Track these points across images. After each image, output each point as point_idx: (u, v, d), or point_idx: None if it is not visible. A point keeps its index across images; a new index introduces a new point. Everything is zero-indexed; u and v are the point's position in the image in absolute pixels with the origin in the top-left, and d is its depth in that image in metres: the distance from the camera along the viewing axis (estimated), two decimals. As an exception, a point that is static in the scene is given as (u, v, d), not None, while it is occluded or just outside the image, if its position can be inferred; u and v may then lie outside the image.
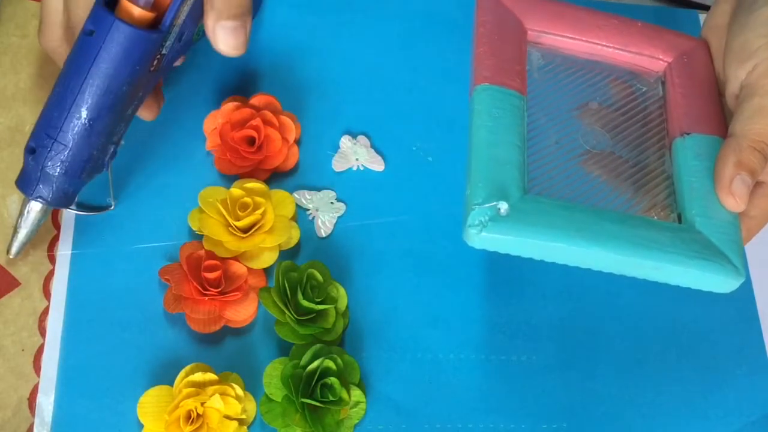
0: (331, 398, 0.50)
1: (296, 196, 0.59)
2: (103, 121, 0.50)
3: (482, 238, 0.44)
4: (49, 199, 0.52)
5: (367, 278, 0.57)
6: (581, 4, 0.56)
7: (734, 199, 0.46)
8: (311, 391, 0.51)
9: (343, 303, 0.55)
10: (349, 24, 0.66)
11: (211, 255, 0.55)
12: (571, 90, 0.53)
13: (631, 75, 0.54)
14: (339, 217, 0.59)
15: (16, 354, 0.53)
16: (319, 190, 0.60)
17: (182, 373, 0.51)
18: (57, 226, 0.57)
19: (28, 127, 0.60)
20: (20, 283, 0.55)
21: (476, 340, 0.57)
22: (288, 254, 0.57)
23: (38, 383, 0.52)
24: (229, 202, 0.56)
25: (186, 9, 0.50)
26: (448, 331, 0.57)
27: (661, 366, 0.57)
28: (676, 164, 0.50)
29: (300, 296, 0.53)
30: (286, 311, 0.53)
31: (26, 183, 0.51)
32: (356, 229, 0.59)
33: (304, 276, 0.54)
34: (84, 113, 0.49)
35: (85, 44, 0.48)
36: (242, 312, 0.54)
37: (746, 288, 0.61)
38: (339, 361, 0.52)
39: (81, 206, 0.56)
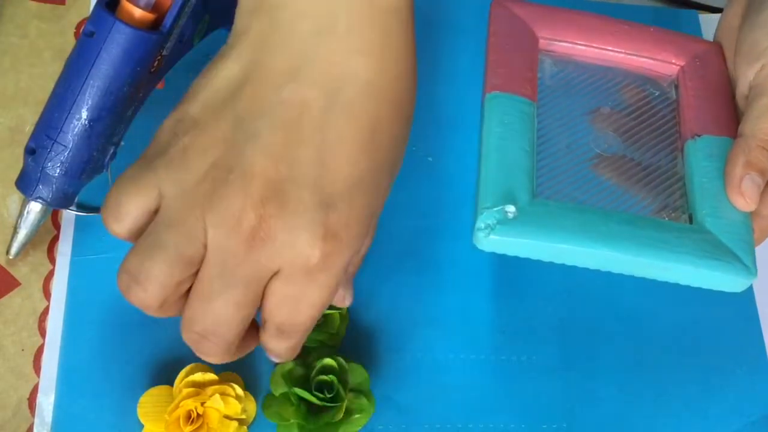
0: (327, 395, 0.50)
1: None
2: (104, 122, 0.50)
3: (491, 240, 0.44)
4: (48, 200, 0.52)
5: (367, 278, 0.57)
6: (584, 7, 0.57)
7: (744, 199, 0.47)
8: (309, 387, 0.51)
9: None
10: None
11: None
12: (583, 96, 0.53)
13: (644, 80, 0.55)
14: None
15: (16, 354, 0.53)
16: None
17: (182, 373, 0.51)
18: (57, 226, 0.57)
19: (28, 127, 0.60)
20: (20, 283, 0.55)
21: (476, 340, 0.57)
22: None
23: (38, 383, 0.52)
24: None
25: (187, 10, 0.50)
26: (448, 331, 0.57)
27: (661, 366, 0.57)
28: (687, 166, 0.50)
29: None
30: None
31: (26, 183, 0.51)
32: (356, 229, 0.59)
33: None
34: (84, 114, 0.49)
35: (86, 45, 0.48)
36: None
37: (746, 288, 0.61)
38: (341, 360, 0.52)
39: (81, 207, 0.56)
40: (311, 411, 0.51)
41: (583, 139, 0.51)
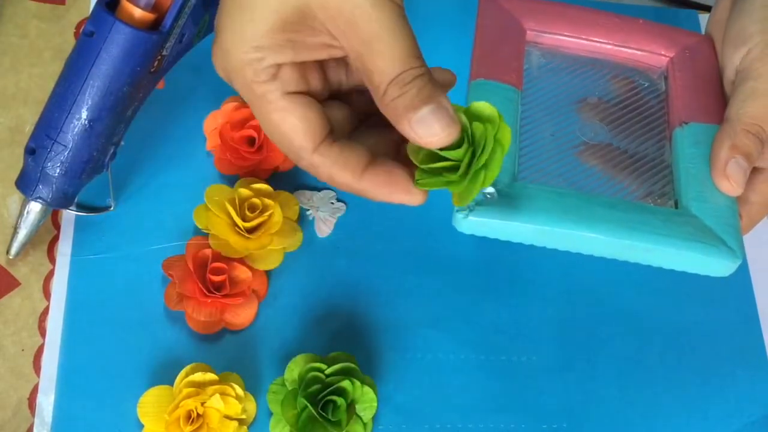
0: (330, 417, 0.50)
1: (296, 196, 0.59)
2: (104, 122, 0.50)
3: (469, 222, 0.44)
4: (48, 200, 0.52)
5: (367, 278, 0.57)
6: (582, 6, 0.57)
7: (729, 183, 0.46)
8: (316, 400, 0.51)
9: None
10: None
11: (217, 255, 0.55)
12: (571, 86, 0.53)
13: (633, 71, 0.55)
14: (339, 217, 0.59)
15: (16, 354, 0.53)
16: (319, 190, 0.60)
17: (182, 373, 0.51)
18: (57, 226, 0.57)
19: (28, 127, 0.60)
20: (20, 283, 0.55)
21: (476, 340, 0.57)
22: (291, 255, 0.57)
23: (38, 383, 0.52)
24: (237, 202, 0.56)
25: (187, 10, 0.50)
26: (448, 331, 0.57)
27: (661, 366, 0.57)
28: (674, 153, 0.49)
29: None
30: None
31: (26, 183, 0.51)
32: (356, 229, 0.59)
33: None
34: (84, 114, 0.49)
35: (86, 45, 0.48)
36: (242, 315, 0.54)
37: (746, 288, 0.61)
38: (358, 385, 0.51)
39: (81, 207, 0.56)
40: (309, 419, 0.50)
41: (569, 127, 0.51)
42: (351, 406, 0.51)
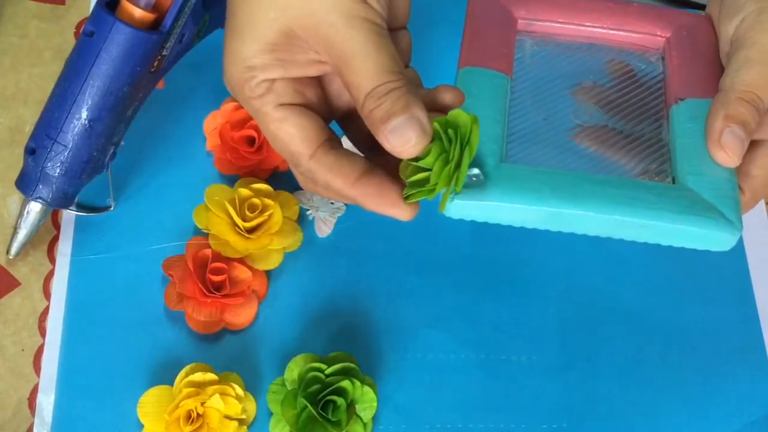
0: (330, 417, 0.50)
1: (296, 196, 0.59)
2: (104, 122, 0.50)
3: (456, 205, 0.43)
4: (48, 200, 0.52)
5: (367, 278, 0.57)
6: None
7: (725, 152, 0.44)
8: (317, 400, 0.51)
9: None
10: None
11: (217, 255, 0.55)
12: (565, 72, 0.52)
13: (629, 55, 0.54)
14: (339, 217, 0.59)
15: (16, 354, 0.53)
16: (319, 190, 0.60)
17: (182, 373, 0.51)
18: (57, 226, 0.57)
19: (28, 127, 0.60)
20: (20, 283, 0.55)
21: (476, 339, 0.57)
22: (291, 255, 0.57)
23: (38, 383, 0.52)
24: (237, 202, 0.56)
25: (187, 10, 0.50)
26: (448, 331, 0.57)
27: (661, 366, 0.57)
28: (671, 130, 0.49)
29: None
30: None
31: (26, 183, 0.51)
32: (356, 229, 0.59)
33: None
34: (84, 114, 0.49)
35: (86, 45, 0.48)
36: (242, 315, 0.54)
37: (746, 288, 0.61)
38: (358, 385, 0.51)
39: (81, 207, 0.56)
40: (309, 419, 0.50)
41: (562, 111, 0.50)
42: (351, 406, 0.51)
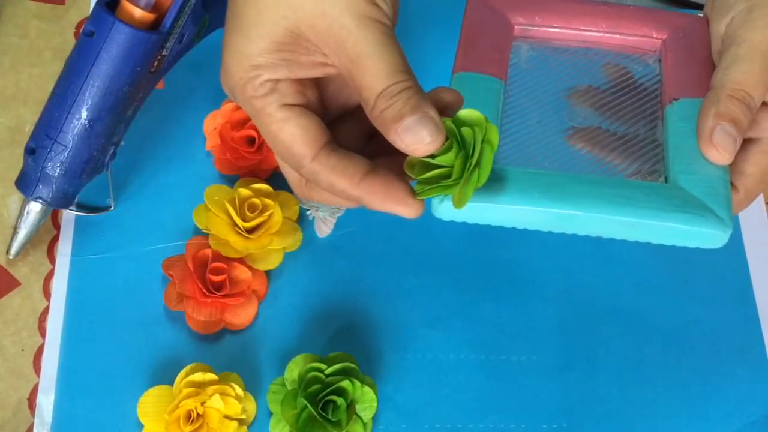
0: (330, 417, 0.50)
1: (296, 195, 0.59)
2: (104, 122, 0.50)
3: (445, 207, 0.43)
4: (48, 200, 0.52)
5: (367, 278, 0.57)
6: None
7: (717, 150, 0.44)
8: (317, 400, 0.51)
9: None
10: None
11: (217, 255, 0.55)
12: (560, 76, 0.52)
13: (626, 58, 0.54)
14: (339, 217, 0.59)
15: (16, 354, 0.53)
16: (319, 190, 0.60)
17: (182, 373, 0.51)
18: (57, 226, 0.57)
19: (28, 127, 0.60)
20: (20, 283, 0.55)
21: (476, 340, 0.57)
22: (291, 255, 0.57)
23: (38, 383, 0.52)
24: (237, 201, 0.56)
25: (187, 11, 0.50)
26: (448, 331, 0.57)
27: (661, 366, 0.57)
28: (665, 130, 0.49)
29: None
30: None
31: (26, 183, 0.51)
32: (356, 229, 0.59)
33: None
34: (84, 114, 0.49)
35: (86, 45, 0.48)
36: (242, 315, 0.54)
37: (746, 288, 0.61)
38: (358, 385, 0.51)
39: (81, 207, 0.56)
40: (309, 419, 0.50)
41: (557, 114, 0.50)
42: (351, 406, 0.51)
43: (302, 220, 0.59)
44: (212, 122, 0.60)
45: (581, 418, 0.55)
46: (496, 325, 0.57)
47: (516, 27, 0.53)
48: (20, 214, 0.54)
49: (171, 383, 0.51)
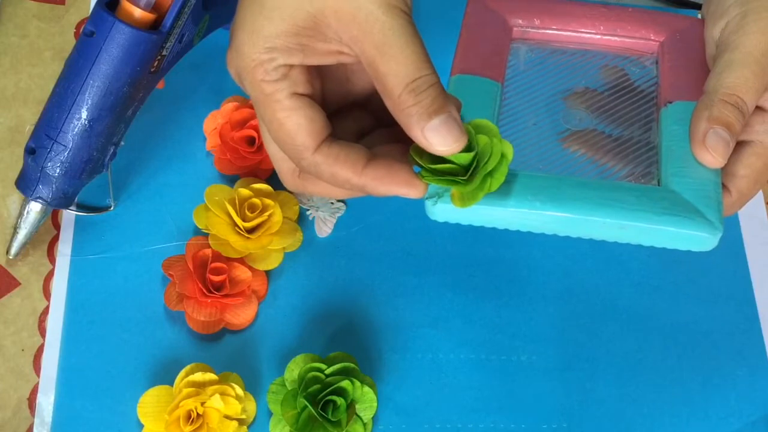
0: (330, 417, 0.50)
1: (296, 196, 0.59)
2: (103, 122, 0.50)
3: (439, 209, 0.43)
4: (48, 200, 0.52)
5: (367, 278, 0.57)
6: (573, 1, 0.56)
7: (710, 154, 0.45)
8: (317, 400, 0.51)
9: None
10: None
11: (217, 255, 0.55)
12: (558, 78, 0.53)
13: (624, 60, 0.54)
14: (339, 217, 0.59)
15: (16, 354, 0.53)
16: (319, 190, 0.60)
17: (182, 373, 0.51)
18: (57, 226, 0.57)
19: (28, 127, 0.60)
20: (20, 283, 0.55)
21: (476, 340, 0.57)
22: (291, 255, 0.57)
23: (38, 383, 0.52)
24: (237, 201, 0.56)
25: (187, 11, 0.50)
26: (448, 331, 0.57)
27: (661, 366, 0.57)
28: (659, 133, 0.49)
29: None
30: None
31: (26, 183, 0.51)
32: (356, 230, 0.59)
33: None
34: (84, 114, 0.49)
35: (86, 45, 0.48)
36: (242, 315, 0.54)
37: (746, 288, 0.61)
38: (358, 385, 0.51)
39: (81, 207, 0.56)
40: (309, 419, 0.50)
41: (553, 116, 0.50)
42: (351, 406, 0.51)
43: (302, 220, 0.59)
44: (212, 122, 0.60)
45: (581, 418, 0.55)
46: (496, 325, 0.57)
47: (515, 29, 0.53)
48: (20, 214, 0.54)
49: (171, 383, 0.51)
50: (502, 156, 0.41)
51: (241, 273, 0.55)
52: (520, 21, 0.54)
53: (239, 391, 0.51)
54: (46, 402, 0.52)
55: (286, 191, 0.58)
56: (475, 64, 0.50)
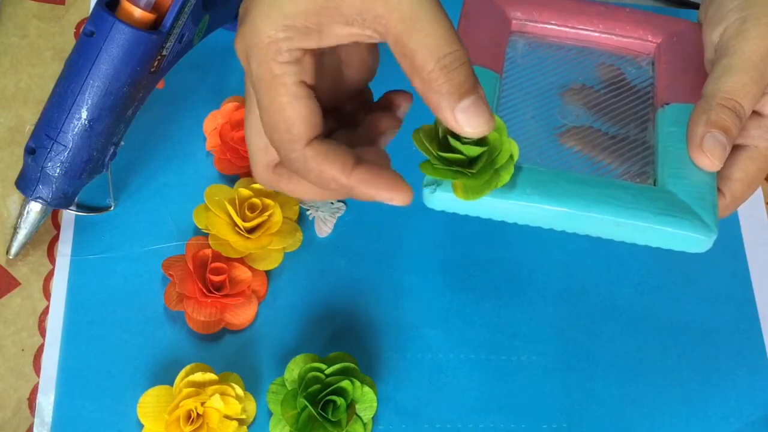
0: (330, 417, 0.50)
1: (296, 196, 0.59)
2: (103, 122, 0.50)
3: (437, 198, 0.43)
4: (48, 200, 0.52)
5: (367, 278, 0.57)
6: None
7: (707, 157, 0.45)
8: (317, 400, 0.51)
9: None
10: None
11: (217, 255, 0.55)
12: (556, 73, 0.53)
13: (620, 59, 0.54)
14: (339, 217, 0.59)
15: (16, 354, 0.53)
16: (319, 190, 0.60)
17: (182, 373, 0.51)
18: (57, 226, 0.57)
19: (28, 127, 0.60)
20: (20, 283, 0.55)
21: (476, 340, 0.57)
22: (291, 255, 0.57)
23: (38, 383, 0.52)
24: (237, 201, 0.56)
25: (187, 11, 0.50)
26: (448, 331, 0.57)
27: (661, 366, 0.57)
28: (655, 133, 0.49)
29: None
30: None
31: (26, 183, 0.51)
32: (356, 229, 0.59)
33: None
34: (84, 114, 0.49)
35: (86, 45, 0.48)
36: (242, 315, 0.54)
37: (746, 288, 0.61)
38: (358, 385, 0.51)
39: (81, 207, 0.56)
40: (309, 419, 0.50)
41: (550, 111, 0.51)
42: (351, 406, 0.51)
43: (302, 220, 0.59)
44: (212, 122, 0.60)
45: (581, 418, 0.55)
46: (496, 325, 0.57)
47: (513, 21, 0.54)
48: (20, 214, 0.54)
49: (171, 383, 0.51)
50: (511, 156, 0.41)
51: (241, 273, 0.55)
52: (519, 14, 0.54)
53: (239, 391, 0.51)
54: (46, 402, 0.52)
55: None
56: (474, 54, 0.50)
